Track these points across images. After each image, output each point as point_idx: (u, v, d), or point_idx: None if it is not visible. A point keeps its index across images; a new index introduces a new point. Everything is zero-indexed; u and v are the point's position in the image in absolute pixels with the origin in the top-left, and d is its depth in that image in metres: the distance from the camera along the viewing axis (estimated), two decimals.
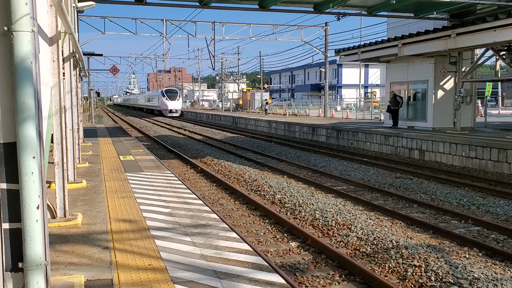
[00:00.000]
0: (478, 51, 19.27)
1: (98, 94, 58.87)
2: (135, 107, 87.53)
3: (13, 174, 3.26)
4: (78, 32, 16.28)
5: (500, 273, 5.93)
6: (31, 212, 3.22)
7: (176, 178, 10.28)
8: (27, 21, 3.12)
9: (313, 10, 17.36)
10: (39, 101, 3.37)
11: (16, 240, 3.31)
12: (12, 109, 3.21)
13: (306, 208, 9.21)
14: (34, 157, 3.20)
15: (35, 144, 3.22)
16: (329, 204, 9.53)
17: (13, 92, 3.18)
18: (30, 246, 3.23)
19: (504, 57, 16.43)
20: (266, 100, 46.60)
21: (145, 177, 10.18)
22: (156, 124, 40.79)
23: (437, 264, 6.04)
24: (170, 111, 56.58)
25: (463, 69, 18.35)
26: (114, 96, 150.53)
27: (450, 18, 18.40)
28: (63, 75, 7.38)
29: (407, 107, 21.03)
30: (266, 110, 42.31)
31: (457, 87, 18.15)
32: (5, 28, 3.13)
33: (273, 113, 43.16)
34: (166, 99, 56.68)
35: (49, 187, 8.09)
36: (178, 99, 57.64)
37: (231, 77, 68.33)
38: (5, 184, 3.28)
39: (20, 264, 3.28)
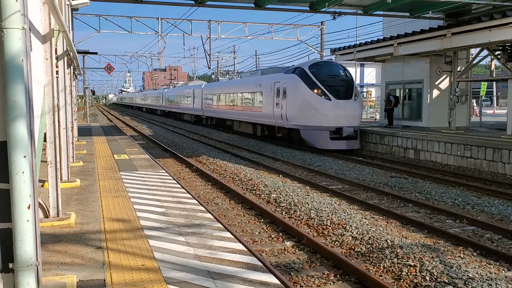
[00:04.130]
0: (473, 51, 19.32)
1: (93, 92, 58.61)
2: (166, 111, 51.72)
3: (4, 173, 3.21)
4: (72, 30, 16.21)
5: (495, 273, 5.93)
6: (22, 212, 3.18)
7: (170, 177, 10.23)
8: (18, 18, 3.08)
9: (308, 9, 17.34)
10: (30, 99, 3.32)
11: (7, 240, 3.27)
12: (2, 107, 3.16)
13: (301, 207, 9.19)
14: (25, 156, 3.16)
15: (26, 143, 3.18)
16: (324, 203, 9.52)
17: (3, 90, 3.13)
18: (20, 247, 3.18)
19: (499, 56, 16.47)
20: None
21: (140, 176, 10.13)
22: (151, 123, 40.68)
23: (432, 263, 6.03)
24: (336, 132, 18.51)
25: (458, 69, 18.40)
26: (110, 95, 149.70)
27: (445, 17, 18.44)
28: (57, 73, 7.32)
29: (402, 107, 21.06)
30: None
31: (452, 86, 18.20)
32: None
33: None
34: (322, 94, 18.74)
35: (42, 186, 8.04)
36: (355, 98, 19.22)
37: (227, 76, 68.17)
38: None
39: (10, 265, 3.24)
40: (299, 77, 19.47)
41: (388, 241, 6.96)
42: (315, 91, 18.73)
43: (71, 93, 11.77)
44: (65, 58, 8.97)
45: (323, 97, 18.60)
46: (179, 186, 9.21)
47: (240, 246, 5.36)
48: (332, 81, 19.22)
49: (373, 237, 7.20)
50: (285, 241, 7.45)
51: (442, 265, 5.99)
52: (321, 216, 8.48)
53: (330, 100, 18.48)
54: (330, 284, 5.76)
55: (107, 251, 5.11)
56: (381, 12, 18.72)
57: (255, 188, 11.39)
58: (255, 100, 24.14)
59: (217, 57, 60.37)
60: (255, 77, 25.85)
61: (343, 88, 19.17)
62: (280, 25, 31.42)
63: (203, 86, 36.33)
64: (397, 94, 21.08)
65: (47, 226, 6.02)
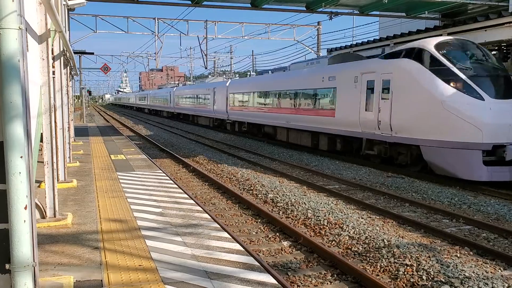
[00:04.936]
0: None
1: (89, 92, 58.51)
2: (175, 113, 46.98)
3: (0, 174, 3.20)
4: (69, 30, 16.17)
5: (491, 272, 5.95)
6: (18, 212, 3.17)
7: (167, 178, 10.23)
8: (14, 19, 3.07)
9: (305, 9, 17.38)
10: (27, 99, 3.31)
11: (4, 241, 3.26)
12: None
13: (298, 207, 9.20)
14: (21, 157, 3.15)
15: (23, 143, 3.17)
16: (321, 203, 9.53)
17: None
18: (17, 247, 3.18)
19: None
20: None
21: (136, 177, 10.12)
22: (148, 123, 40.62)
23: (428, 263, 6.05)
24: (493, 152, 11.31)
25: None
26: (107, 95, 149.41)
27: (441, 17, 18.51)
28: (53, 74, 7.31)
29: None
30: None
31: None
32: None
33: None
34: (466, 90, 11.45)
35: (39, 186, 8.02)
36: None
37: (224, 76, 68.17)
38: None
39: (7, 266, 3.23)
40: (420, 63, 12.45)
41: (385, 240, 6.98)
42: (452, 84, 11.69)
43: (67, 93, 11.76)
44: (62, 58, 8.96)
45: (468, 94, 11.49)
46: (176, 186, 9.21)
47: (237, 246, 5.37)
48: (479, 70, 12.00)
49: (370, 236, 7.21)
50: (282, 241, 7.46)
51: (439, 265, 6.01)
52: (318, 216, 8.49)
53: (483, 100, 11.36)
54: (327, 283, 5.77)
55: (104, 251, 5.10)
56: (378, 12, 18.77)
57: (252, 188, 11.39)
58: (319, 100, 17.50)
59: (214, 57, 60.30)
60: (319, 68, 18.46)
61: (498, 81, 12.00)
62: (277, 25, 31.40)
63: (228, 83, 29.73)
64: None
65: (44, 226, 6.02)
